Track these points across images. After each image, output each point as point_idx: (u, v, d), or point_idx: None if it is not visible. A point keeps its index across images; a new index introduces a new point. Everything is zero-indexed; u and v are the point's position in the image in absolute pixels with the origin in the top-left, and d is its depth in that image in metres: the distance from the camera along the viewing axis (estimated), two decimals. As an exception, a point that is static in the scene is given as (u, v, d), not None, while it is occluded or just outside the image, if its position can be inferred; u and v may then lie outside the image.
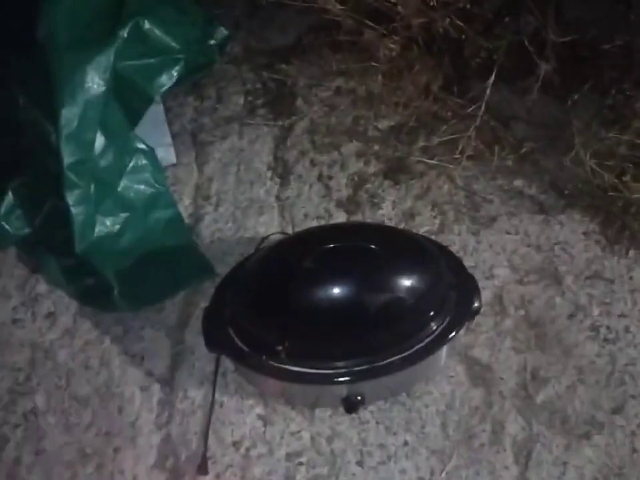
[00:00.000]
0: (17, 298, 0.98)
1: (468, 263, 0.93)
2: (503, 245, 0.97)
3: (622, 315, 0.90)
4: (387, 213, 1.03)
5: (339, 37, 1.14)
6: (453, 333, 0.78)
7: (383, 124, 1.14)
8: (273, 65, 1.24)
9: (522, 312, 0.91)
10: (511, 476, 0.78)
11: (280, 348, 0.74)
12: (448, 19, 1.02)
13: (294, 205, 1.05)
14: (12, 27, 1.03)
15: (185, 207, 1.06)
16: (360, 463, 0.80)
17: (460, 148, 1.04)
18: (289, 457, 0.81)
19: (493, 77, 1.04)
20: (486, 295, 0.91)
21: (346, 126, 1.14)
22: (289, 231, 1.02)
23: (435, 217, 1.01)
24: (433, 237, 0.97)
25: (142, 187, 1.01)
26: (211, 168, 1.11)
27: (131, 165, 1.00)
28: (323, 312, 0.75)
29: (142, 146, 1.01)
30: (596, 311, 0.90)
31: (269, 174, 1.09)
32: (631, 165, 0.95)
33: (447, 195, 1.04)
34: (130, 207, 0.99)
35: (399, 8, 1.03)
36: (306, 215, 1.04)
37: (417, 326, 0.77)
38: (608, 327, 0.89)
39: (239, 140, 1.14)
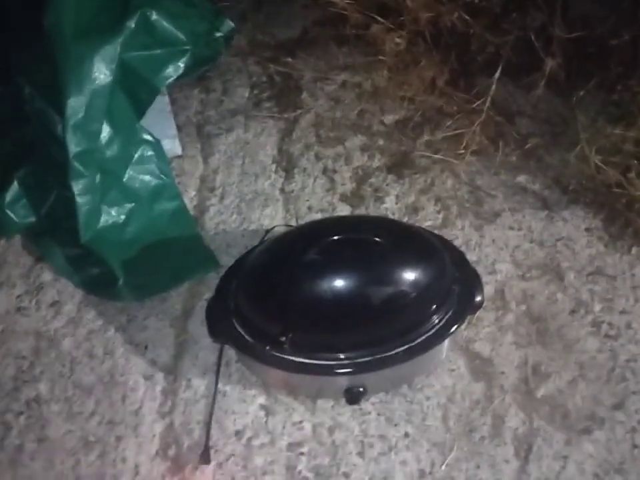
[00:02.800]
0: (21, 286, 0.98)
1: (471, 257, 0.93)
2: (506, 240, 0.98)
3: (623, 312, 0.90)
4: (391, 207, 1.03)
5: (345, 31, 1.15)
6: (455, 327, 0.78)
7: (388, 118, 1.14)
8: (279, 58, 1.24)
9: (524, 307, 0.91)
10: (511, 469, 0.78)
11: (283, 339, 0.75)
12: (455, 14, 1.02)
13: (298, 198, 1.05)
14: (19, 16, 1.03)
15: (189, 198, 1.06)
16: (361, 454, 0.81)
17: (464, 143, 1.04)
18: (290, 447, 0.81)
19: (498, 72, 1.04)
20: (488, 289, 0.91)
21: (351, 120, 1.14)
22: (293, 223, 1.02)
23: (438, 212, 1.02)
24: (436, 232, 0.97)
25: (147, 177, 1.01)
26: (216, 160, 1.11)
27: (136, 155, 1.00)
28: (327, 304, 0.75)
29: (148, 137, 1.01)
30: (597, 307, 0.90)
31: (274, 167, 1.10)
32: (636, 162, 0.95)
33: (450, 190, 1.04)
34: (135, 197, 1.00)
35: (407, 2, 1.03)
36: (310, 208, 1.04)
37: (419, 319, 0.78)
38: (609, 323, 0.89)
39: (244, 132, 1.15)
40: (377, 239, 0.78)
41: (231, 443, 0.82)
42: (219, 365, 0.86)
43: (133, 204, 0.99)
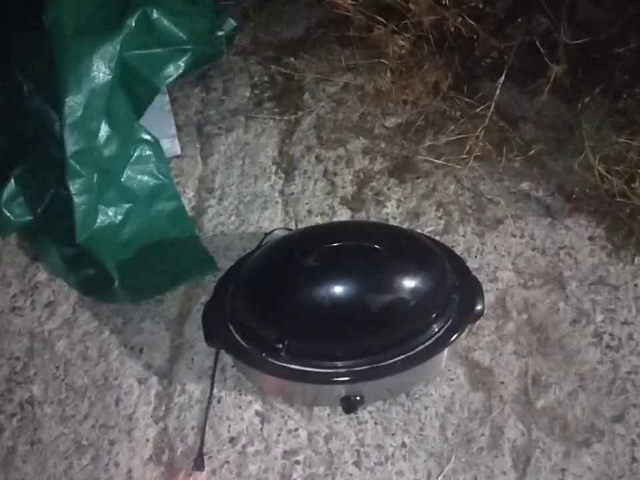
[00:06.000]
0: (16, 286, 0.97)
1: (472, 264, 0.92)
2: (508, 248, 0.97)
3: (625, 322, 0.89)
4: (392, 212, 1.02)
5: (349, 32, 1.14)
6: (455, 336, 0.77)
7: (390, 121, 1.13)
8: (281, 59, 1.23)
9: (525, 316, 0.90)
10: (509, 481, 0.78)
11: (280, 345, 0.74)
12: (459, 18, 1.01)
13: (298, 200, 1.04)
14: (18, 14, 1.02)
15: (188, 199, 1.05)
16: (357, 464, 0.80)
17: (467, 148, 1.03)
18: (285, 454, 0.81)
19: (503, 77, 1.03)
20: (489, 297, 0.90)
21: (353, 122, 1.13)
22: (292, 226, 1.01)
23: (439, 217, 1.00)
24: (437, 238, 0.96)
25: (145, 177, 1.00)
26: (216, 161, 1.10)
27: (135, 155, 0.99)
28: (325, 311, 0.74)
29: (147, 136, 1.00)
30: (599, 317, 0.89)
31: (274, 168, 1.08)
32: (640, 171, 0.94)
33: (452, 196, 1.03)
34: (133, 197, 0.99)
35: (410, 5, 1.02)
36: (310, 211, 1.03)
37: (419, 327, 0.76)
38: (611, 334, 0.88)
39: (244, 133, 1.13)
40: (376, 246, 0.77)
41: (225, 449, 0.81)
42: (214, 369, 0.86)
43: (131, 204, 0.98)
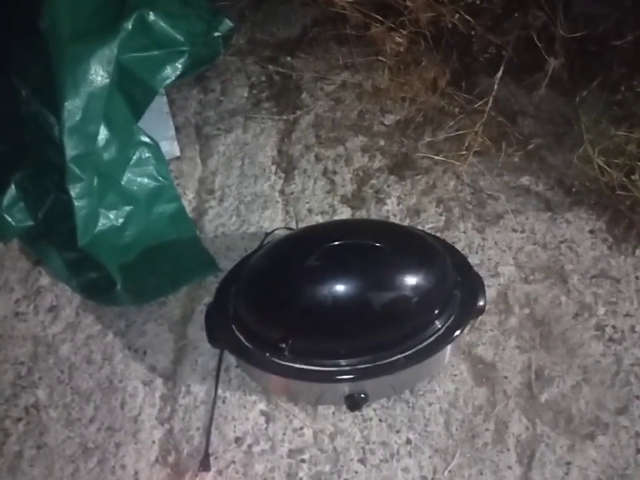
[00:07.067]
0: (19, 291, 0.97)
1: (473, 260, 0.93)
2: (509, 243, 0.97)
3: (628, 315, 0.89)
4: (392, 209, 1.02)
5: (345, 30, 1.13)
6: (458, 332, 0.77)
7: (389, 119, 1.13)
8: (278, 58, 1.23)
9: (527, 310, 0.90)
10: (514, 476, 0.78)
11: (283, 345, 0.74)
12: (456, 14, 1.01)
13: (298, 200, 1.04)
14: (15, 18, 1.02)
15: (188, 200, 1.05)
16: (362, 461, 0.80)
17: (466, 144, 1.03)
18: (291, 453, 0.81)
19: (500, 72, 1.03)
20: (491, 293, 0.90)
21: (351, 120, 1.13)
22: (293, 226, 1.01)
23: (440, 214, 1.01)
24: (438, 234, 0.96)
25: (145, 180, 1.00)
26: (215, 162, 1.10)
27: (134, 158, 1.00)
28: (327, 310, 0.74)
29: (146, 139, 1.00)
30: (601, 310, 0.89)
31: (274, 168, 1.08)
32: (639, 164, 0.94)
33: (452, 192, 1.03)
34: (133, 200, 0.99)
35: (407, 2, 1.02)
36: (310, 210, 1.03)
37: (421, 324, 0.77)
38: (614, 327, 0.88)
39: (243, 134, 1.13)
40: (377, 244, 0.77)
41: (231, 449, 0.81)
42: (218, 370, 0.86)
43: (131, 207, 0.99)
